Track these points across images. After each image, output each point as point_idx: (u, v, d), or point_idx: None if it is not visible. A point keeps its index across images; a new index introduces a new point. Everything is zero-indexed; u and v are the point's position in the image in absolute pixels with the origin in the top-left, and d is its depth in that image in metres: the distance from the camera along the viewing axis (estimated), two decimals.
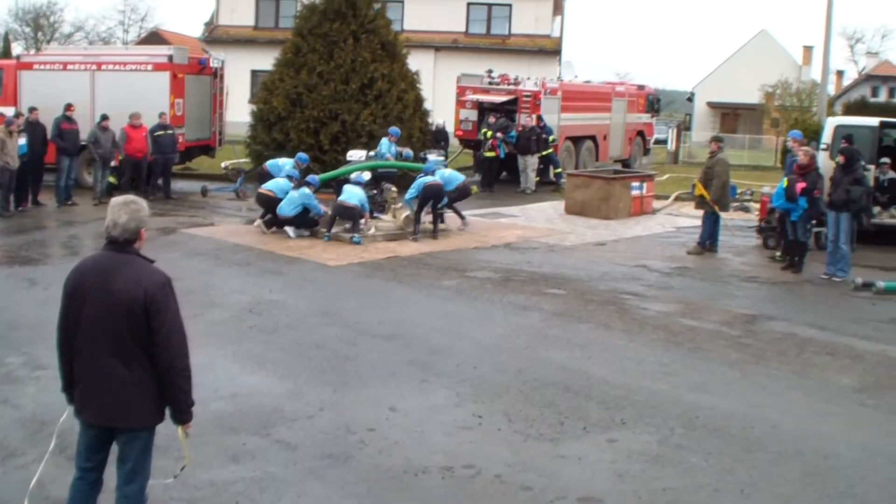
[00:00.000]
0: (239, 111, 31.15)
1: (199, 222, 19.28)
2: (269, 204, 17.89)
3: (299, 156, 20.22)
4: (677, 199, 25.80)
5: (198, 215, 20.43)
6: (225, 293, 12.94)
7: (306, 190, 17.61)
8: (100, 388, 5.26)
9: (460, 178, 19.35)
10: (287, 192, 17.74)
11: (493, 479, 7.01)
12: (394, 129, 22.83)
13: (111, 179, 22.20)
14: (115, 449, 5.49)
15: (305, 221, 17.68)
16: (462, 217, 19.24)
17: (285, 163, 19.83)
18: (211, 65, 25.65)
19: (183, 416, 5.44)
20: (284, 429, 7.86)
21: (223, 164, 25.81)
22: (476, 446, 7.63)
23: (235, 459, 7.21)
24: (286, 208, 17.47)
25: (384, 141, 22.23)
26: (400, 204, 19.25)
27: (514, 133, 26.68)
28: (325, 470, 7.08)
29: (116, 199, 5.40)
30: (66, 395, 5.51)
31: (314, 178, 18.44)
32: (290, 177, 18.33)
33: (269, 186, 18.24)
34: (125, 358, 5.21)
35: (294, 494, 6.66)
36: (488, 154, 26.80)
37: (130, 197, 5.42)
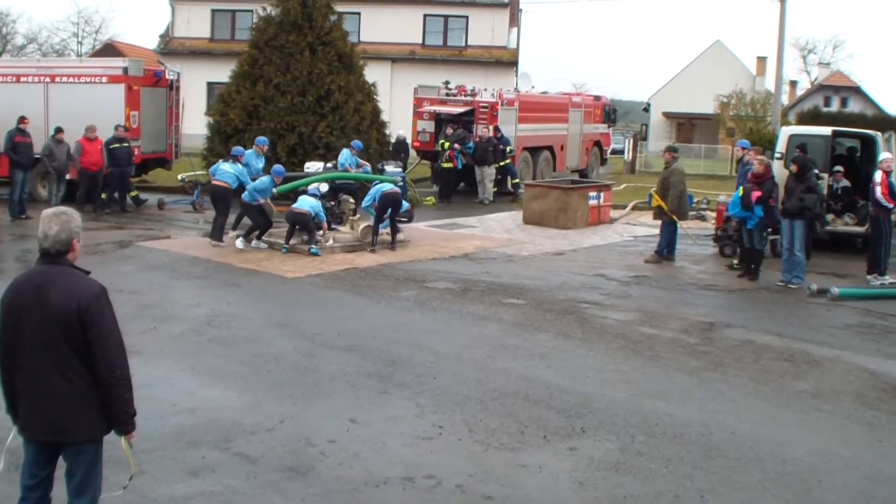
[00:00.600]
0: (195, 123, 31.00)
1: (155, 235, 19.13)
2: (223, 195, 17.98)
3: (259, 139, 21.07)
4: (634, 208, 25.97)
5: (154, 228, 20.27)
6: (182, 306, 12.84)
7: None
8: (42, 402, 5.18)
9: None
10: (237, 177, 18.17)
11: (454, 489, 7.00)
12: (356, 142, 22.82)
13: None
14: (63, 464, 5.41)
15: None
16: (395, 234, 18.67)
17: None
18: (167, 77, 25.48)
19: (125, 426, 5.35)
20: (244, 442, 7.80)
21: (180, 177, 25.65)
22: (437, 457, 7.62)
23: (195, 473, 7.14)
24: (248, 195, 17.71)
25: (345, 152, 22.16)
26: (358, 216, 19.22)
27: (471, 144, 26.74)
28: (286, 483, 7.03)
29: (47, 211, 5.33)
30: (11, 416, 5.40)
31: (279, 168, 18.62)
32: (235, 157, 18.76)
33: (220, 177, 18.32)
34: (65, 371, 5.14)
35: None
36: (446, 165, 26.85)
37: (62, 208, 5.35)
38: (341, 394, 9.17)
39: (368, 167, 22.34)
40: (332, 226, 18.77)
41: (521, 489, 7.04)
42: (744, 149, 18.96)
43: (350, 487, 6.99)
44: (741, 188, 16.45)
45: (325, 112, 25.84)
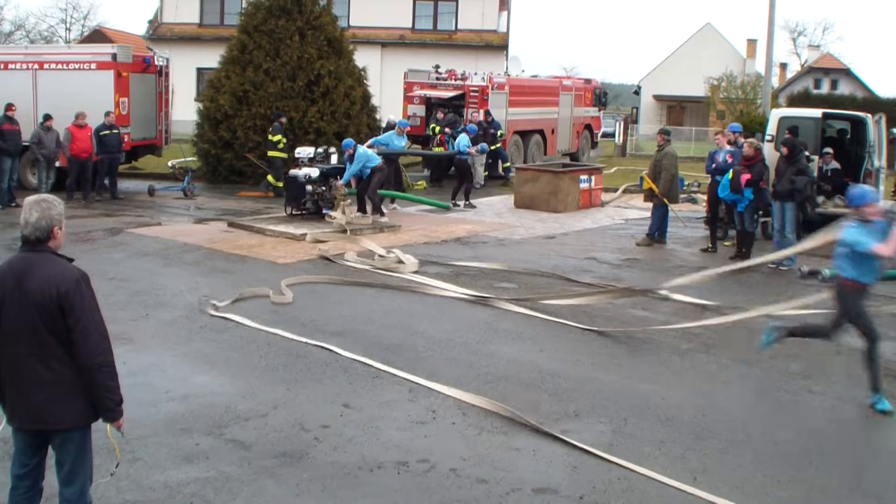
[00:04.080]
0: (185, 109, 30.92)
1: (146, 222, 19.08)
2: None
3: (401, 122, 22.64)
4: (626, 191, 25.98)
5: (145, 215, 20.22)
6: (174, 293, 12.81)
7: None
8: (26, 390, 5.17)
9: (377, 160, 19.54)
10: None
11: (448, 472, 7.02)
12: (402, 120, 23.53)
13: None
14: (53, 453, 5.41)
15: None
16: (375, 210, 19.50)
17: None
18: (156, 63, 25.37)
19: (111, 413, 5.32)
20: (238, 428, 7.81)
21: (170, 164, 25.58)
22: (430, 441, 7.63)
23: (189, 460, 7.15)
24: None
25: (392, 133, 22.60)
26: (349, 200, 19.20)
27: (461, 128, 26.71)
28: (280, 468, 7.04)
29: (29, 199, 5.31)
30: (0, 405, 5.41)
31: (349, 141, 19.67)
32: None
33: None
34: (47, 359, 5.12)
35: (248, 494, 6.62)
36: (437, 150, 26.82)
37: (43, 195, 5.33)
38: (334, 379, 9.18)
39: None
40: (324, 211, 18.77)
41: (515, 472, 7.06)
42: (735, 133, 18.94)
43: (344, 472, 7.00)
44: (731, 171, 16.48)
45: (315, 97, 25.81)
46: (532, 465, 7.22)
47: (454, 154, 23.24)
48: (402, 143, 22.82)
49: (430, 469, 7.08)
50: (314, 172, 18.72)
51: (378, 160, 19.35)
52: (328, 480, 6.88)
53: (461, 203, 22.39)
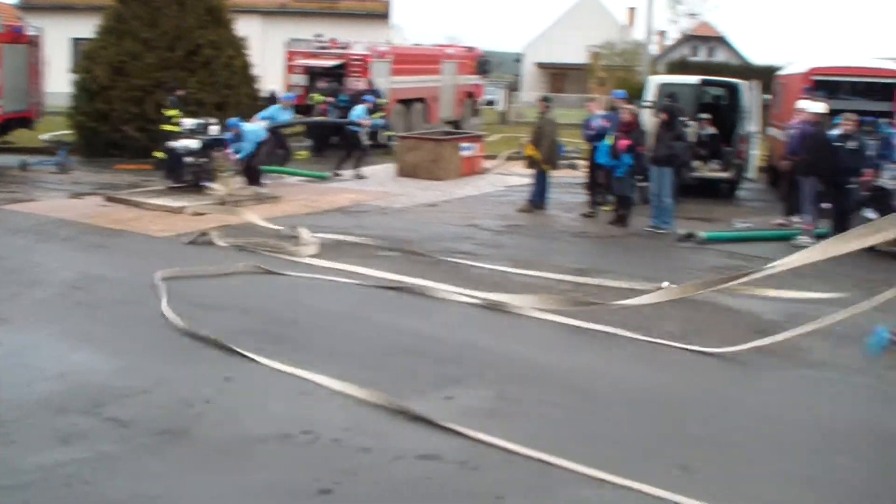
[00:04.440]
0: (59, 81, 29.99)
1: (19, 198, 18.48)
2: None
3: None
4: (508, 158, 26.17)
5: (18, 191, 19.59)
6: (48, 270, 12.46)
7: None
8: None
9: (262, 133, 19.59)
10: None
11: (331, 443, 7.01)
12: (287, 94, 23.85)
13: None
14: None
15: None
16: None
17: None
18: (27, 33, 24.56)
19: None
20: (117, 406, 7.64)
21: (43, 137, 24.84)
22: (313, 412, 7.60)
23: (65, 441, 6.98)
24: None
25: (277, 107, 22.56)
26: (228, 172, 18.97)
27: (344, 97, 26.55)
28: (162, 445, 6.94)
29: None
30: None
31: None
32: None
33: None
34: None
35: (129, 472, 6.50)
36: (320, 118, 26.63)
37: None
38: (216, 353, 9.05)
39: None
40: (203, 183, 18.49)
41: (398, 440, 7.08)
42: (619, 99, 19.16)
43: (228, 446, 6.93)
44: (610, 137, 16.77)
45: (195, 68, 25.29)
46: (415, 431, 7.25)
47: (348, 123, 23.06)
48: (287, 116, 22.69)
49: (313, 440, 7.06)
50: (194, 144, 18.42)
51: (264, 134, 19.25)
52: (212, 455, 6.81)
53: (344, 173, 22.28)
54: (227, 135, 18.96)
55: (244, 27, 29.73)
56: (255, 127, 19.52)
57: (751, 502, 6.33)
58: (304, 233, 14.41)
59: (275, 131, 20.92)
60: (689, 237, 15.72)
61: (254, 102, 27.00)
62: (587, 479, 6.43)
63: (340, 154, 23.27)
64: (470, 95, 37.14)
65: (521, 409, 7.79)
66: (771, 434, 7.50)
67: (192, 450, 6.89)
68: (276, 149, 21.43)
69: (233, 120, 19.34)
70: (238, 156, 18.80)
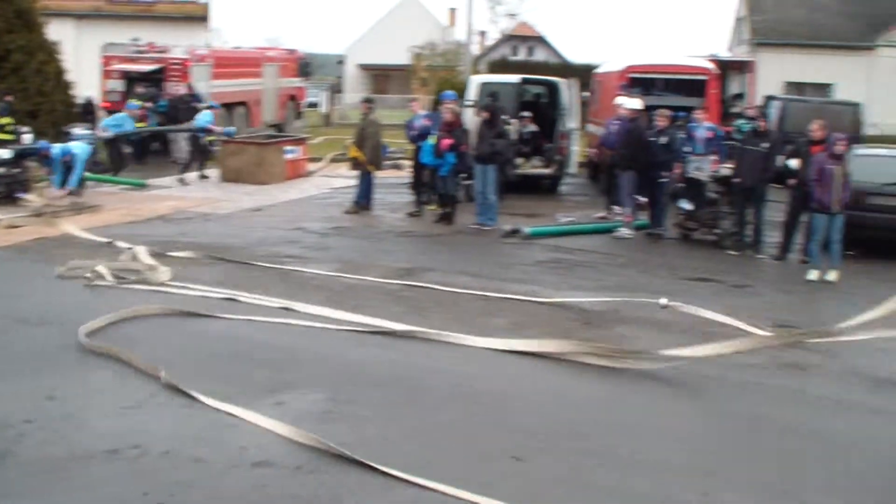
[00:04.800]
0: None
1: None
2: None
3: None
4: (333, 160, 26.12)
5: None
6: None
7: None
8: None
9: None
10: None
11: (161, 455, 6.80)
12: (131, 103, 23.91)
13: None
14: None
15: None
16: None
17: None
18: None
19: None
20: None
21: None
22: (141, 425, 7.36)
23: None
24: None
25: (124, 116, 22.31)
26: (45, 183, 18.32)
27: (163, 102, 25.98)
28: None
29: None
30: None
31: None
32: None
33: None
34: None
35: None
36: (139, 125, 25.91)
37: None
38: (37, 371, 8.65)
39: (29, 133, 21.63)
40: (17, 194, 17.77)
41: (231, 447, 6.94)
42: (449, 100, 19.18)
43: (52, 467, 6.62)
44: (433, 136, 16.92)
45: (5, 74, 24.36)
46: (248, 438, 7.12)
47: (198, 130, 22.55)
48: (131, 125, 22.70)
49: (142, 454, 6.82)
50: (5, 154, 17.71)
51: (89, 149, 18.90)
52: (36, 477, 6.49)
53: (186, 178, 22.03)
54: (42, 143, 18.33)
55: (57, 31, 28.79)
56: (82, 145, 18.88)
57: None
58: (142, 253, 13.19)
59: (118, 139, 20.46)
60: (514, 233, 16.02)
61: (69, 110, 26.16)
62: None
63: (180, 161, 22.90)
64: (292, 98, 36.91)
65: (354, 411, 7.75)
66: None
67: (14, 472, 6.55)
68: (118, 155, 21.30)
69: (63, 147, 18.58)
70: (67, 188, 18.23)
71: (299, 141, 24.75)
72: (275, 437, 7.14)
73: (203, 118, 22.68)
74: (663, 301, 10.68)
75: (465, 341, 9.65)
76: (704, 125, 17.83)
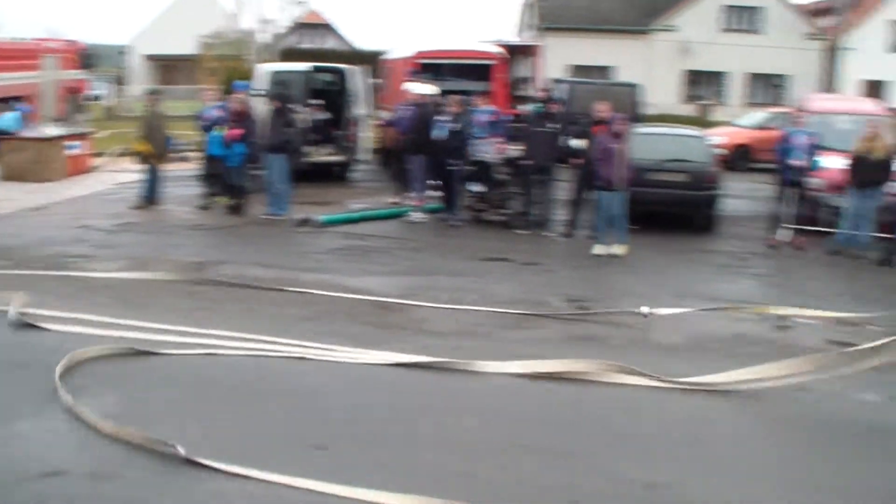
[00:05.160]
0: None
1: None
2: None
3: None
4: (119, 155, 25.35)
5: None
6: None
7: None
8: None
9: None
10: None
11: None
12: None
13: None
14: None
15: None
16: None
17: None
18: None
19: None
20: None
21: None
22: None
23: None
24: None
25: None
26: None
27: None
28: None
29: None
30: None
31: None
32: None
33: None
34: None
35: None
36: None
37: None
38: None
39: None
40: None
41: (18, 460, 6.54)
42: (240, 91, 18.87)
43: None
44: (221, 127, 16.71)
45: None
46: (34, 450, 6.81)
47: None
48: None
49: None
50: None
51: None
52: None
53: None
54: None
55: None
56: None
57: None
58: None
59: None
60: (306, 222, 15.99)
61: None
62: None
63: None
64: (74, 91, 35.58)
65: (147, 410, 7.57)
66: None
67: None
68: None
69: None
70: None
71: (82, 135, 23.89)
72: (63, 443, 6.89)
73: (6, 119, 21.91)
74: (644, 309, 10.77)
75: (486, 368, 8.73)
76: (484, 108, 18.15)
